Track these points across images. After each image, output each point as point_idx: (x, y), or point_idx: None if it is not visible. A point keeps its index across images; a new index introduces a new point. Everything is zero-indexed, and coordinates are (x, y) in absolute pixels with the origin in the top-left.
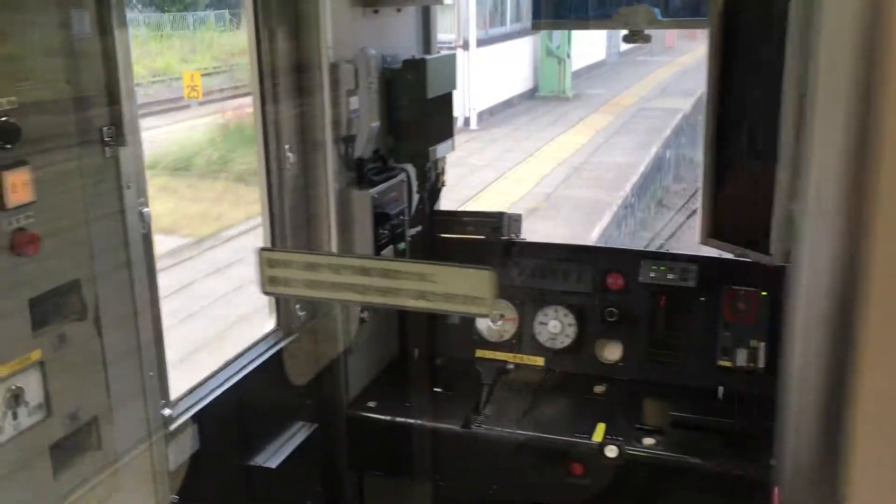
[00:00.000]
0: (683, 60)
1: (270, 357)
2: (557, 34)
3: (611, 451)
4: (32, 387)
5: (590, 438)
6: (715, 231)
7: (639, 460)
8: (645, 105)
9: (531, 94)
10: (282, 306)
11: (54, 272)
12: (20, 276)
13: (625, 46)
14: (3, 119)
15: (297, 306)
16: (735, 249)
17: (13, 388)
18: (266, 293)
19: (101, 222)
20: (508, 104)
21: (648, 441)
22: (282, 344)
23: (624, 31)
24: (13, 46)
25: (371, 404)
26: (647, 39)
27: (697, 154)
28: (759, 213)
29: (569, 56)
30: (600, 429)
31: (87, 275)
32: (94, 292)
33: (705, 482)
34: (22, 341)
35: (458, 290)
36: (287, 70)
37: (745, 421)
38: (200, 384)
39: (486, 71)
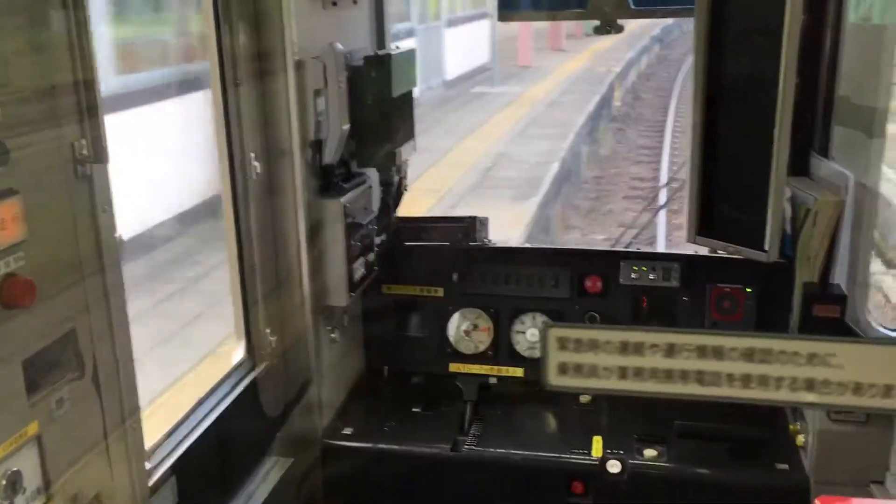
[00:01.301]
0: (538, 92)
1: (242, 390)
2: None
3: (613, 467)
4: (30, 468)
5: (589, 454)
6: (703, 228)
7: (642, 474)
8: None
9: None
10: (252, 332)
11: (50, 324)
12: (12, 334)
13: (460, 70)
14: None
15: (268, 331)
16: (727, 247)
17: (9, 472)
18: (552, 388)
19: (85, 256)
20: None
21: (650, 452)
22: (253, 375)
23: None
24: None
25: (347, 431)
26: (619, 30)
27: None
28: (747, 209)
29: None
30: (597, 442)
31: (82, 323)
32: (91, 342)
33: (714, 493)
34: (17, 414)
35: (874, 377)
36: (249, 69)
37: (747, 426)
38: (175, 428)
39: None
